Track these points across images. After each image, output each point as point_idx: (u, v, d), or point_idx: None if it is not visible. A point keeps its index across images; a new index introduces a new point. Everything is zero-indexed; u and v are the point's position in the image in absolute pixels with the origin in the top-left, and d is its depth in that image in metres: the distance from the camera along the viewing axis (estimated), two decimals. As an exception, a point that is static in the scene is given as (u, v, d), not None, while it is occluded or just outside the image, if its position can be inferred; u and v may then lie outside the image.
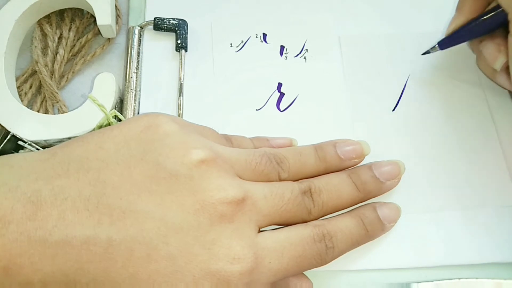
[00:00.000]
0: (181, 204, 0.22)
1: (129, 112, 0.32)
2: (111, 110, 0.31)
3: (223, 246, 0.22)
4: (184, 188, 0.22)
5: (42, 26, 0.34)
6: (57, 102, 0.32)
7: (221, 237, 0.22)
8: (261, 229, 0.25)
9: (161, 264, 0.21)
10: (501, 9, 0.28)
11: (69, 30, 0.35)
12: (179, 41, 0.34)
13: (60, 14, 0.35)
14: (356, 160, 0.29)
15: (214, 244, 0.22)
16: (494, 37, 0.30)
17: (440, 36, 0.33)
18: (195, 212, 0.22)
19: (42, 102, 0.33)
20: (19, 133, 0.29)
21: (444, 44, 0.32)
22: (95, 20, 0.34)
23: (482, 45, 0.31)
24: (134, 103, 0.32)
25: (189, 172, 0.23)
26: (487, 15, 0.30)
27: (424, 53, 0.33)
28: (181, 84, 0.33)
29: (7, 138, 0.29)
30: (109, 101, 0.31)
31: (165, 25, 0.34)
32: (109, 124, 0.30)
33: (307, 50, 0.35)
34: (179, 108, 0.32)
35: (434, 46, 0.32)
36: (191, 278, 0.21)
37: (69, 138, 0.29)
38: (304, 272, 0.26)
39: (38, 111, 0.32)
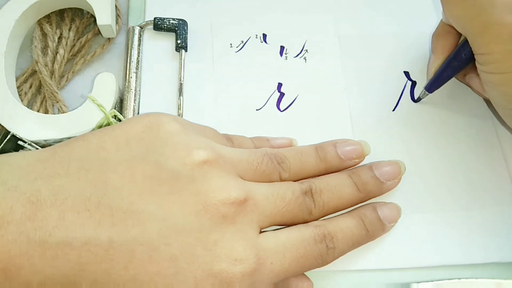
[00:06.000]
0: (183, 205, 0.22)
1: (129, 112, 0.32)
2: (111, 110, 0.31)
3: (225, 247, 0.22)
4: (186, 188, 0.22)
5: (42, 26, 0.34)
6: (57, 102, 0.32)
7: (223, 238, 0.22)
8: (262, 230, 0.25)
9: (162, 266, 0.21)
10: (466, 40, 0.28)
11: (69, 30, 0.35)
12: (179, 41, 0.34)
13: (60, 14, 0.35)
14: (356, 160, 0.29)
15: (216, 245, 0.22)
16: (476, 68, 0.30)
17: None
18: (197, 213, 0.22)
19: (42, 102, 0.33)
20: (19, 133, 0.29)
21: (430, 87, 0.32)
22: (95, 20, 0.34)
23: (468, 78, 0.31)
24: (134, 103, 0.32)
25: (191, 172, 0.23)
26: (458, 50, 0.30)
27: (416, 101, 0.33)
28: (181, 84, 0.33)
29: (7, 138, 0.28)
30: (109, 101, 0.31)
31: (165, 25, 0.34)
32: (108, 124, 0.30)
33: (307, 50, 0.35)
34: (179, 108, 0.32)
35: (423, 92, 0.32)
36: (193, 279, 0.21)
37: (69, 138, 0.29)
38: (304, 272, 0.26)
39: (38, 111, 0.32)
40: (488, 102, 0.33)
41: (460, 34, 0.31)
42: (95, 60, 0.35)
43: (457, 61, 0.30)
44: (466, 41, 0.29)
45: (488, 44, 0.26)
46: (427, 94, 0.32)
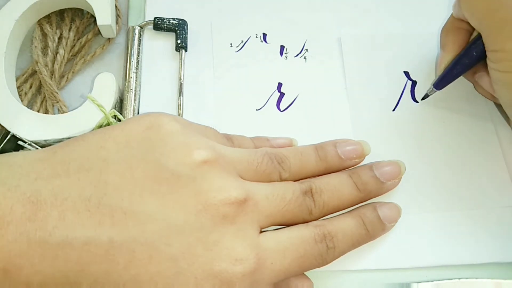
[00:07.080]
0: (183, 205, 0.22)
1: (129, 112, 0.32)
2: (111, 110, 0.31)
3: (226, 247, 0.22)
4: (186, 188, 0.22)
5: (42, 26, 0.34)
6: (57, 102, 0.32)
7: (224, 238, 0.22)
8: (262, 230, 0.25)
9: (163, 266, 0.21)
10: (480, 38, 0.28)
11: (69, 30, 0.35)
12: (179, 41, 0.34)
13: (60, 14, 0.35)
14: (356, 160, 0.29)
15: (216, 245, 0.22)
16: (486, 66, 0.29)
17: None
18: (197, 213, 0.22)
19: (42, 102, 0.33)
20: (19, 133, 0.29)
21: (439, 84, 0.31)
22: (95, 20, 0.34)
23: (478, 76, 0.31)
24: (134, 103, 0.32)
25: (191, 172, 0.23)
26: (469, 47, 0.29)
27: (423, 98, 0.33)
28: (181, 84, 0.33)
29: (7, 138, 0.28)
30: (109, 101, 0.31)
31: (165, 25, 0.34)
32: (108, 124, 0.30)
33: (307, 50, 0.35)
34: (179, 108, 0.32)
35: (431, 89, 0.32)
36: (193, 279, 0.21)
37: (69, 138, 0.29)
38: (304, 272, 0.26)
39: (38, 111, 0.32)
40: (495, 103, 0.33)
41: (471, 30, 0.30)
42: (95, 60, 0.35)
43: (468, 58, 0.29)
44: (478, 38, 0.28)
45: (503, 41, 0.26)
46: (435, 91, 0.32)
